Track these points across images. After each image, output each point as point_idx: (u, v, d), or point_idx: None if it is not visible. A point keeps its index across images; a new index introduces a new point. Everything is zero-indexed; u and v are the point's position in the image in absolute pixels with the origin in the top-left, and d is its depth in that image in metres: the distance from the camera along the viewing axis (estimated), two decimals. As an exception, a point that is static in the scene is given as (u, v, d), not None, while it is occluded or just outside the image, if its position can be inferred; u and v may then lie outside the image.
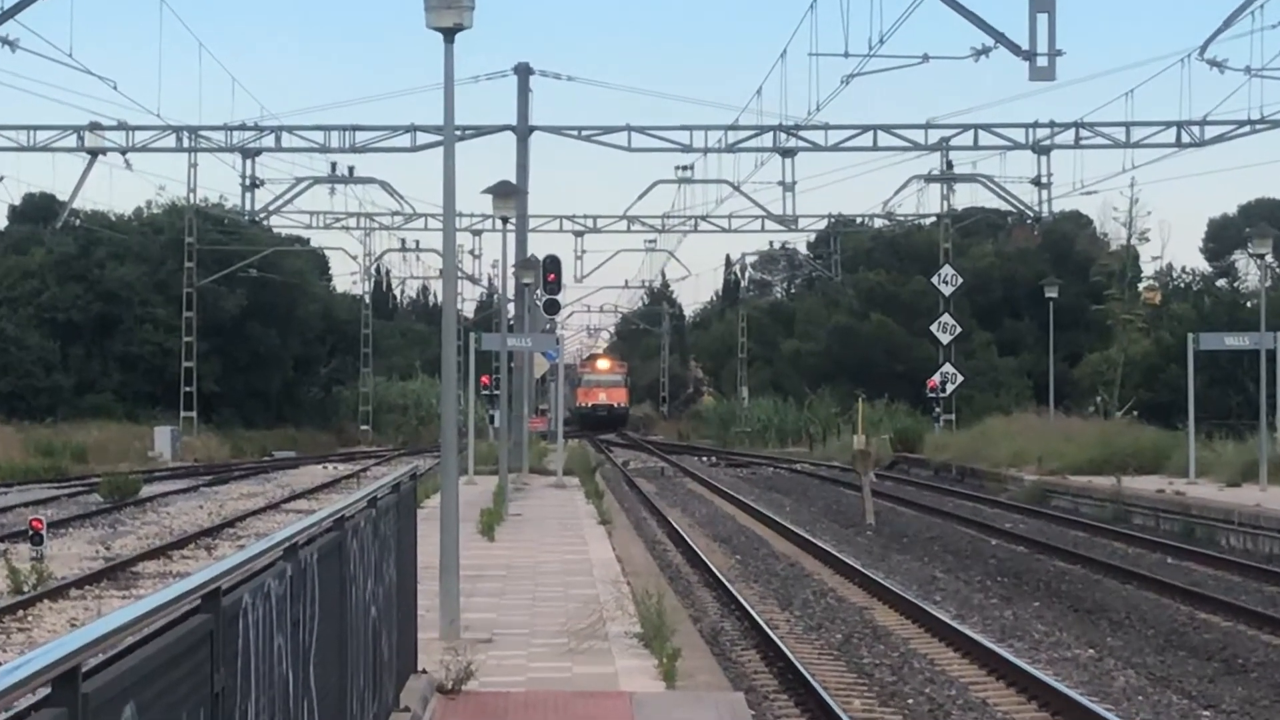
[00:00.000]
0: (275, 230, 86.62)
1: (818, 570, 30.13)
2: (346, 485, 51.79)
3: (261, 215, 70.64)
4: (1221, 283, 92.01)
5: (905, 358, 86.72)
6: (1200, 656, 20.48)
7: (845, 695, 17.63)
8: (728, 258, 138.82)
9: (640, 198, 76.11)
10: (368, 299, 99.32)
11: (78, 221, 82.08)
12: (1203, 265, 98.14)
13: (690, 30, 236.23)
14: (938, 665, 19.71)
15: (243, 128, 65.22)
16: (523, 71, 61.18)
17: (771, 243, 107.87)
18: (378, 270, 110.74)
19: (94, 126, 63.58)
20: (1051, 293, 65.76)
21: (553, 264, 59.46)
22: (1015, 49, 40.09)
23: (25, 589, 24.56)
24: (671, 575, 28.47)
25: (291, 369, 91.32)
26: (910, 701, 17.57)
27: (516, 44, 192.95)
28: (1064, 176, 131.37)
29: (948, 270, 73.46)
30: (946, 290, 73.19)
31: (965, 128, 63.53)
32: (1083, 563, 31.00)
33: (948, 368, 73.30)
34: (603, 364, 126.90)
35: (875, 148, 63.10)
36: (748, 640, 21.52)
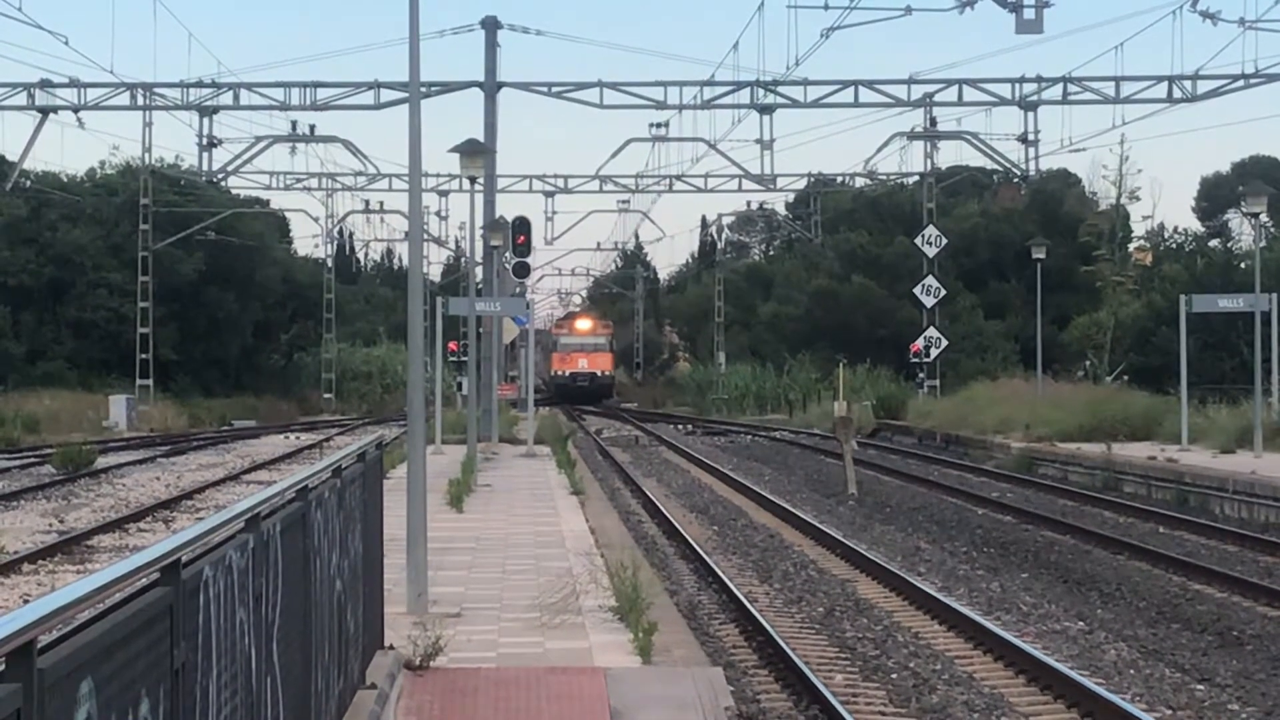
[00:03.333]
0: (234, 191, 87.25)
1: (798, 541, 30.02)
2: (309, 455, 51.57)
3: (219, 176, 71.54)
4: (1215, 243, 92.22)
5: (888, 321, 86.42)
6: (1194, 629, 20.36)
7: (827, 670, 17.57)
8: (703, 218, 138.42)
9: (613, 156, 76.18)
10: (330, 262, 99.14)
11: (28, 183, 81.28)
12: (1195, 225, 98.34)
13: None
14: (922, 638, 19.60)
15: (200, 85, 65.73)
16: (490, 25, 60.53)
17: (749, 203, 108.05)
18: (340, 233, 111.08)
19: (45, 84, 64.48)
20: (1039, 254, 65.01)
21: (522, 226, 59.55)
22: (1001, 1, 38.92)
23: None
24: (647, 547, 28.34)
25: (251, 335, 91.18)
26: (894, 676, 17.47)
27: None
28: (1051, 133, 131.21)
29: (931, 231, 73.00)
30: (930, 251, 72.71)
31: (949, 83, 64.03)
32: (1072, 532, 30.84)
33: (932, 331, 72.79)
34: (583, 324, 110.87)
35: (856, 104, 63.18)
36: (726, 614, 21.40)
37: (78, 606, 5.12)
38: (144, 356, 75.72)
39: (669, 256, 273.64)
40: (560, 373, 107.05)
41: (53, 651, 4.89)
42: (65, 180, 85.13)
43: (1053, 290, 74.24)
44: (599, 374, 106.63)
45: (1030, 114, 64.13)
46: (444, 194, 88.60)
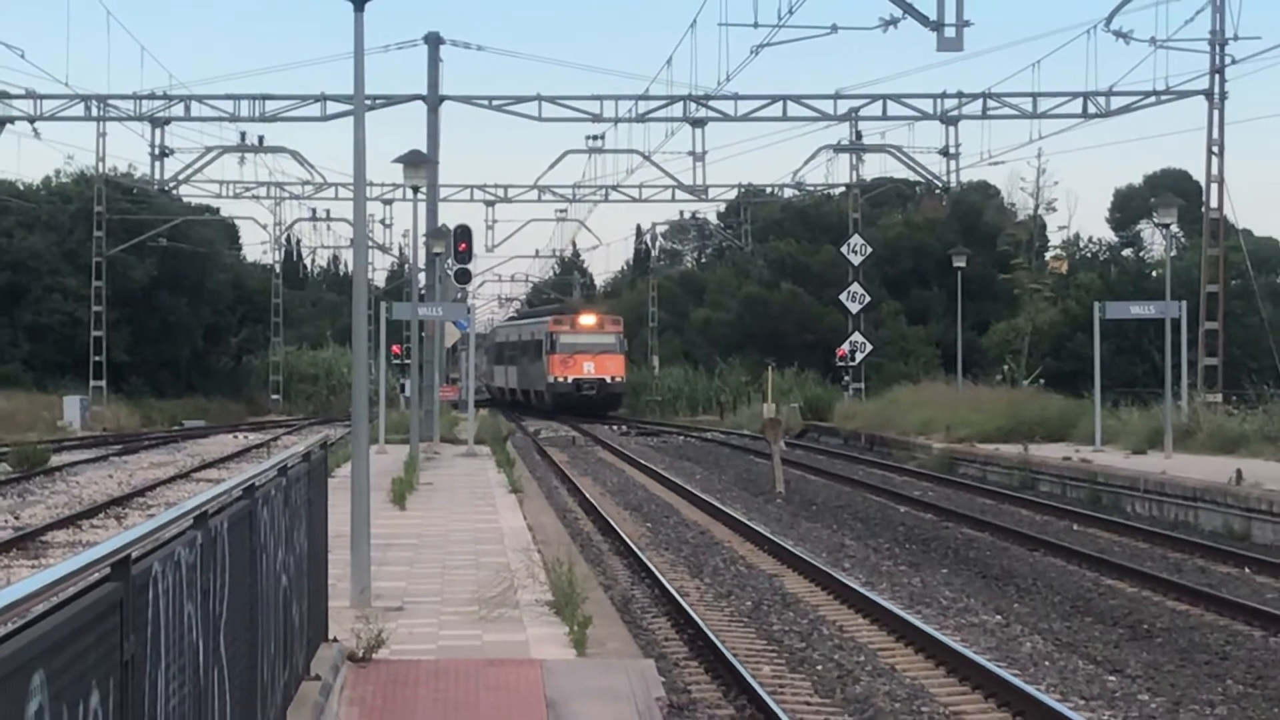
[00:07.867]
0: (185, 200, 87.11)
1: (728, 538, 30.02)
2: (257, 454, 51.59)
3: (171, 185, 70.66)
4: (1127, 252, 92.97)
5: (815, 327, 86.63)
6: (1106, 622, 20.57)
7: (755, 661, 17.68)
8: (638, 227, 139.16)
9: (551, 168, 76.30)
10: (278, 268, 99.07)
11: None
12: (1109, 235, 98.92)
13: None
14: (846, 632, 19.73)
15: (152, 96, 64.94)
16: (433, 41, 60.80)
17: (682, 212, 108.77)
18: (288, 240, 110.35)
19: (2, 95, 63.14)
20: (959, 262, 65.16)
21: (464, 233, 59.11)
22: (923, 20, 40.44)
23: (-69, 559, 24.25)
24: (582, 543, 28.33)
25: (201, 338, 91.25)
26: (819, 667, 17.60)
27: (426, 13, 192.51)
28: (972, 147, 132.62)
29: (857, 240, 73.20)
30: (856, 260, 72.94)
31: (874, 98, 63.60)
32: (990, 530, 31.01)
33: (857, 337, 73.05)
34: (587, 319, 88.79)
35: (785, 118, 63.01)
36: (658, 608, 21.48)
37: (31, 601, 5.08)
38: (97, 359, 75.94)
39: (605, 264, 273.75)
40: (560, 379, 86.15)
41: (6, 644, 4.82)
42: (21, 188, 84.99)
43: (973, 297, 74.67)
44: (608, 380, 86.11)
45: (951, 128, 62.59)
46: (388, 202, 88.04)
